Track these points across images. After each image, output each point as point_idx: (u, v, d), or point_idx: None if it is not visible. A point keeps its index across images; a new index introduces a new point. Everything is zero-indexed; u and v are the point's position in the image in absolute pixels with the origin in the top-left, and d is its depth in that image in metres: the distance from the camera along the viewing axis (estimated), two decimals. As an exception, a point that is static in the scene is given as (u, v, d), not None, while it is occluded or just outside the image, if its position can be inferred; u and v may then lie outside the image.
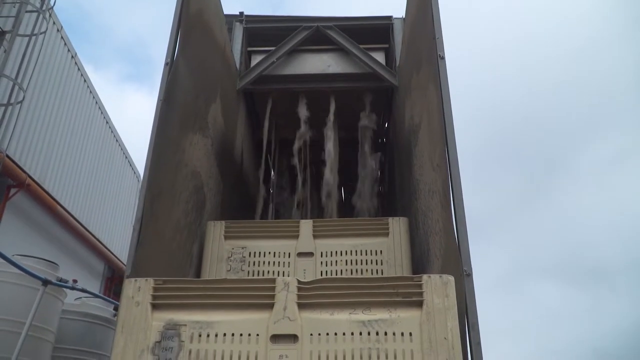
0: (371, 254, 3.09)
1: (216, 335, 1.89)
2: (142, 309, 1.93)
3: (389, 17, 4.67)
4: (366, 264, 3.06)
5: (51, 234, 9.04)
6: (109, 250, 11.24)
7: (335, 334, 1.88)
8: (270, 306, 1.93)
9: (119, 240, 11.88)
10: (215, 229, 3.24)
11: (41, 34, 7.38)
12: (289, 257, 3.10)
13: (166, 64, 2.95)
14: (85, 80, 10.13)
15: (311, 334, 1.88)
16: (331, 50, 4.53)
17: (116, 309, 5.28)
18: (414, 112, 3.46)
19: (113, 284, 11.72)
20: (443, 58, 2.80)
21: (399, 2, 4.48)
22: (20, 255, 4.40)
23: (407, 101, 3.77)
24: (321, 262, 3.07)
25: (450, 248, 2.34)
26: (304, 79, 4.52)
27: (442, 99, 2.66)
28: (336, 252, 3.10)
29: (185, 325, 1.91)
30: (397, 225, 3.19)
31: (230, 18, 4.62)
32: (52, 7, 7.82)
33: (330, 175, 4.45)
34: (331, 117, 4.56)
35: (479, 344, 2.08)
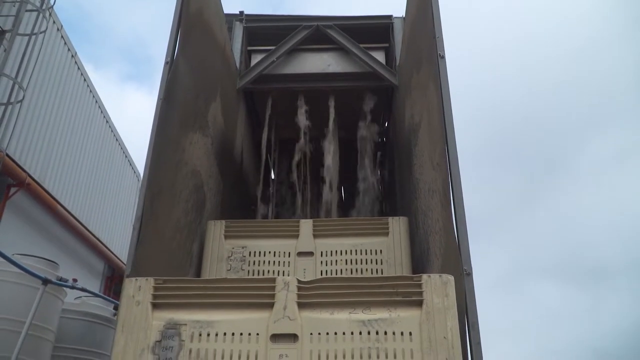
0: (371, 254, 3.09)
1: (216, 335, 1.89)
2: (143, 308, 1.93)
3: (389, 17, 4.67)
4: (366, 263, 3.06)
5: (51, 233, 9.04)
6: (109, 250, 11.25)
7: (335, 333, 1.88)
8: (271, 305, 1.93)
9: (119, 240, 11.88)
10: (216, 229, 3.24)
11: (41, 33, 7.37)
12: (289, 256, 3.10)
13: (166, 63, 2.95)
14: (85, 80, 10.13)
15: (311, 334, 1.88)
16: (331, 50, 4.53)
17: (116, 308, 5.28)
18: (414, 112, 3.46)
19: (113, 283, 11.72)
20: (443, 57, 2.80)
21: (399, 1, 4.49)
22: (20, 254, 4.40)
23: (407, 100, 3.77)
24: (321, 262, 3.07)
25: (450, 247, 2.34)
26: (304, 78, 4.52)
27: (442, 98, 2.66)
28: (336, 251, 3.10)
29: (186, 324, 1.91)
30: (397, 225, 3.19)
31: (230, 17, 4.61)
32: (52, 6, 7.81)
33: (330, 175, 4.45)
34: (331, 116, 4.56)
35: (479, 343, 2.08)
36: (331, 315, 1.91)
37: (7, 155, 7.00)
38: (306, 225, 3.20)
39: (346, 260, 3.07)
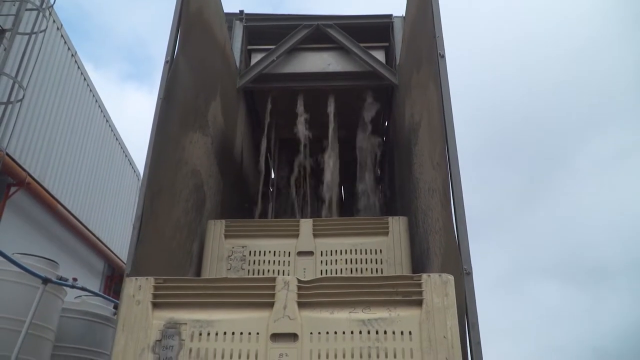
0: (371, 253, 3.09)
1: (216, 334, 1.89)
2: (143, 308, 1.93)
3: (389, 16, 4.67)
4: (366, 263, 3.07)
5: (51, 232, 9.05)
6: (109, 249, 11.25)
7: (335, 332, 1.88)
8: (271, 305, 1.93)
9: (118, 239, 11.88)
10: (216, 228, 3.24)
11: (41, 32, 7.37)
12: (289, 256, 3.10)
13: (166, 62, 2.95)
14: (85, 79, 10.12)
15: (311, 333, 1.88)
16: (331, 49, 4.53)
17: (116, 307, 5.28)
18: (414, 111, 3.46)
19: (113, 283, 11.73)
20: (443, 57, 2.80)
21: (399, 1, 4.49)
22: (20, 253, 4.40)
23: (407, 100, 3.76)
24: (321, 261, 3.07)
25: (450, 246, 2.34)
26: (304, 77, 4.52)
27: (442, 97, 2.66)
28: (336, 251, 3.10)
29: (186, 323, 1.91)
30: (397, 224, 3.19)
31: (230, 16, 4.61)
32: (52, 6, 7.81)
33: (330, 174, 4.45)
34: (331, 115, 4.56)
35: (478, 342, 2.08)
36: (331, 314, 1.91)
37: (7, 154, 7.00)
38: (306, 225, 3.21)
39: (346, 259, 3.08)
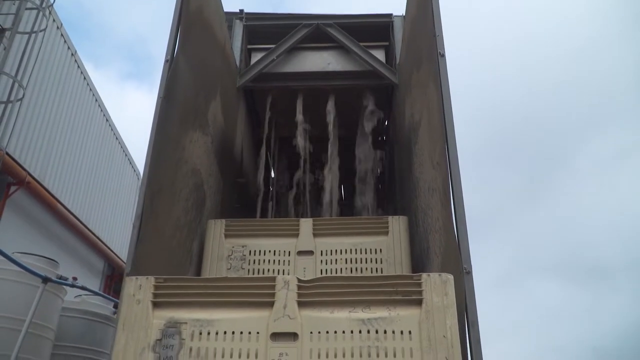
0: (371, 253, 3.10)
1: (217, 333, 1.89)
2: (143, 307, 1.93)
3: (389, 15, 4.67)
4: (366, 262, 3.07)
5: (51, 231, 9.05)
6: (109, 248, 11.25)
7: (335, 332, 1.88)
8: (271, 304, 1.93)
9: (118, 238, 11.88)
10: (216, 228, 3.25)
11: (41, 31, 7.37)
12: (289, 255, 3.10)
13: (166, 61, 2.95)
14: (85, 78, 10.12)
15: (311, 332, 1.88)
16: (331, 48, 4.53)
17: (116, 306, 5.28)
18: (414, 110, 3.46)
19: (113, 282, 11.73)
20: (443, 56, 2.80)
21: (399, 0, 4.49)
22: (20, 252, 4.40)
23: (407, 99, 3.76)
24: (321, 261, 3.08)
25: (450, 246, 2.34)
26: (304, 76, 4.52)
27: (442, 96, 2.66)
28: (336, 250, 3.10)
29: (186, 323, 1.91)
30: (397, 224, 3.19)
31: (230, 15, 4.61)
32: (51, 5, 7.81)
33: (330, 174, 4.45)
34: (331, 115, 4.56)
35: (478, 341, 2.08)
36: (331, 314, 1.91)
37: (7, 153, 7.00)
38: (306, 225, 3.21)
39: (346, 259, 3.08)
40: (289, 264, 3.07)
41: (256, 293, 1.97)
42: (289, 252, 3.11)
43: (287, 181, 5.57)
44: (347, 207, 5.29)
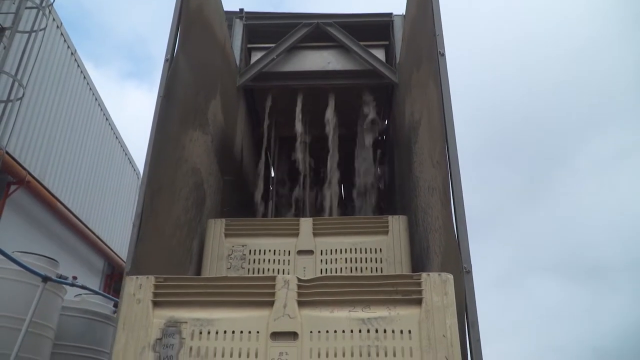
0: (371, 252, 3.10)
1: (217, 333, 1.89)
2: (143, 307, 1.94)
3: (389, 14, 4.67)
4: (366, 262, 3.07)
5: (51, 230, 9.05)
6: (109, 247, 11.25)
7: (335, 331, 1.88)
8: (271, 304, 1.93)
9: (118, 237, 11.89)
10: (216, 227, 3.25)
11: (41, 30, 7.37)
12: (289, 255, 3.10)
13: (166, 60, 2.95)
14: (85, 77, 10.12)
15: (311, 332, 1.88)
16: (331, 47, 4.53)
17: (116, 305, 5.28)
18: (414, 109, 3.46)
19: (113, 281, 11.73)
20: (443, 55, 2.79)
21: (399, -1, 4.49)
22: (20, 252, 4.40)
23: (407, 98, 3.76)
24: (321, 260, 3.08)
25: (450, 245, 2.34)
26: (304, 75, 4.52)
27: (442, 96, 2.66)
28: (336, 250, 3.10)
29: (186, 322, 1.91)
30: (397, 223, 3.19)
31: (230, 15, 4.61)
32: (51, 4, 7.81)
33: (330, 173, 4.45)
34: (331, 114, 4.56)
35: (478, 340, 2.08)
36: (331, 313, 1.91)
37: (7, 152, 7.00)
38: (306, 224, 3.21)
39: (346, 258, 3.08)
40: (288, 264, 3.07)
41: (256, 292, 1.97)
42: (289, 251, 3.11)
43: (287, 180, 5.57)
44: (347, 207, 5.29)
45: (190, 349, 1.87)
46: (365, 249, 3.10)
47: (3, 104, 6.68)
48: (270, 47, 4.47)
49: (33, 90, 7.94)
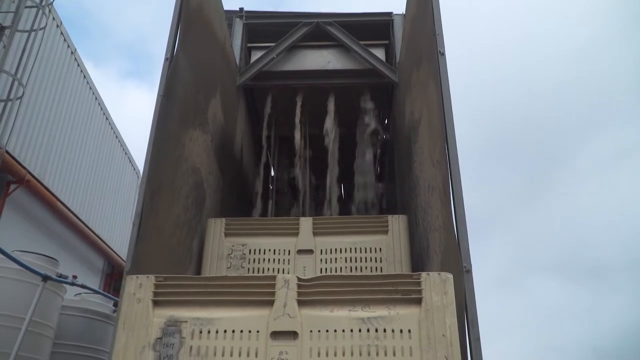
0: (371, 252, 3.10)
1: (217, 332, 1.89)
2: (144, 306, 1.94)
3: (389, 14, 4.67)
4: (366, 261, 3.07)
5: (51, 229, 9.05)
6: (109, 247, 11.25)
7: (335, 330, 1.88)
8: (271, 303, 1.93)
9: (118, 237, 11.89)
10: (216, 226, 3.25)
11: (41, 29, 7.36)
12: (289, 254, 3.10)
13: (166, 59, 2.95)
14: (84, 76, 10.11)
15: (311, 331, 1.88)
16: (331, 47, 4.53)
17: (116, 305, 5.28)
18: (414, 109, 3.46)
19: (112, 280, 11.74)
20: (443, 54, 2.79)
21: (399, -2, 4.48)
22: (20, 251, 4.39)
23: (407, 97, 3.76)
24: (321, 260, 3.08)
25: (450, 244, 2.34)
26: (304, 75, 4.52)
27: (442, 95, 2.66)
28: (336, 249, 3.10)
29: (186, 321, 1.91)
30: (397, 223, 3.19)
31: (230, 14, 4.61)
32: (51, 3, 7.80)
33: (330, 172, 4.45)
34: (331, 113, 4.56)
35: (478, 339, 2.08)
36: (331, 312, 1.91)
37: (7, 152, 7.00)
38: (306, 223, 3.21)
39: (346, 258, 3.08)
40: (288, 263, 3.07)
41: (256, 292, 1.97)
42: (289, 251, 3.11)
43: (287, 180, 5.57)
44: (346, 206, 5.29)
45: (191, 348, 1.87)
46: (365, 248, 3.11)
47: (3, 103, 6.68)
48: (270, 46, 4.47)
49: (33, 89, 7.93)
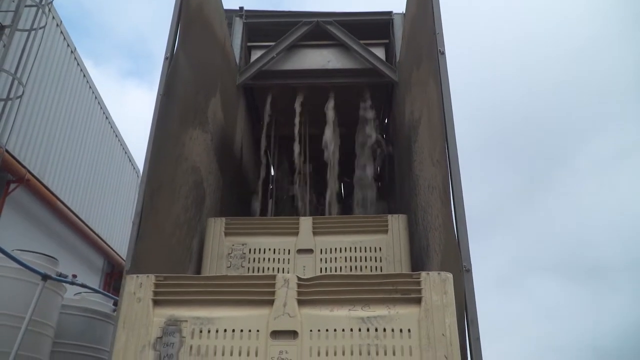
0: (370, 251, 3.10)
1: (217, 331, 1.89)
2: (144, 305, 1.94)
3: (389, 13, 4.66)
4: (365, 260, 3.07)
5: (51, 229, 9.05)
6: (109, 246, 11.26)
7: (335, 330, 1.88)
8: (271, 302, 1.93)
9: (118, 236, 11.89)
10: (216, 226, 3.25)
11: (40, 28, 7.35)
12: (289, 253, 3.10)
13: (166, 58, 2.95)
14: (84, 75, 10.11)
15: (311, 330, 1.89)
16: (331, 46, 4.52)
17: (116, 304, 5.28)
18: (414, 108, 3.46)
19: (112, 280, 11.74)
20: (443, 53, 2.79)
21: (399, -3, 4.48)
22: (20, 250, 4.40)
23: (407, 97, 3.76)
24: (321, 259, 3.08)
25: (450, 243, 2.34)
26: (304, 74, 4.51)
27: (442, 94, 2.66)
28: (336, 249, 3.10)
29: (186, 321, 1.91)
30: (397, 222, 3.19)
31: (230, 13, 4.61)
32: (51, 2, 7.79)
33: (330, 172, 4.45)
34: (331, 113, 4.56)
35: (478, 339, 2.08)
36: (331, 312, 1.91)
37: (7, 151, 6.99)
38: (306, 223, 3.21)
39: (346, 257, 3.08)
40: (288, 262, 3.07)
41: (256, 291, 1.97)
42: (289, 250, 3.11)
43: (287, 179, 5.57)
44: (346, 206, 5.29)
45: (191, 347, 1.87)
46: (365, 247, 3.11)
47: (3, 102, 6.67)
48: (270, 46, 4.46)
49: (33, 88, 7.93)
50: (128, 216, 11.95)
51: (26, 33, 7.14)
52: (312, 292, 1.96)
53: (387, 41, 4.60)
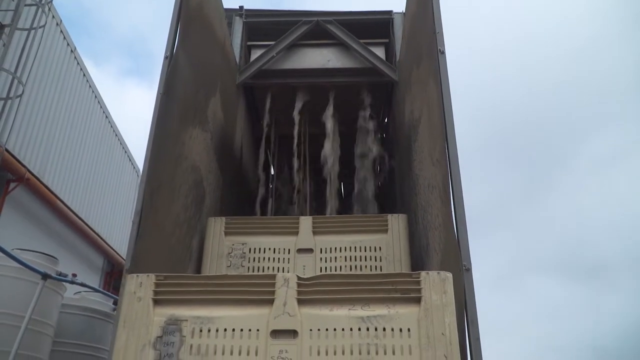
0: (370, 251, 3.10)
1: (217, 331, 1.89)
2: (144, 305, 1.94)
3: (389, 12, 4.66)
4: (365, 260, 3.07)
5: (50, 228, 9.04)
6: (109, 245, 11.26)
7: (335, 329, 1.88)
8: (271, 302, 1.93)
9: (118, 235, 11.89)
10: (216, 225, 3.25)
11: (40, 27, 7.35)
12: (289, 253, 3.10)
13: (166, 57, 2.94)
14: (84, 75, 10.10)
15: (311, 330, 1.89)
16: (331, 45, 4.52)
17: (116, 303, 5.28)
18: (414, 107, 3.46)
19: (112, 279, 11.74)
20: (443, 53, 2.79)
21: (399, -3, 4.48)
22: (20, 249, 4.39)
23: (407, 96, 3.76)
24: (321, 259, 3.08)
25: (450, 243, 2.35)
26: (304, 73, 4.51)
27: (442, 93, 2.65)
28: (336, 248, 3.10)
29: (187, 320, 1.91)
30: (396, 222, 3.19)
31: (230, 12, 4.61)
32: (51, 1, 7.79)
33: (330, 171, 4.45)
34: (331, 112, 4.56)
35: (477, 338, 2.08)
36: (330, 311, 1.92)
37: (7, 150, 6.99)
38: (306, 222, 3.21)
39: (345, 257, 3.08)
40: (288, 262, 3.08)
41: (256, 291, 1.97)
42: (289, 249, 3.12)
43: (287, 178, 5.56)
44: (346, 205, 5.29)
45: (191, 346, 1.87)
46: (365, 247, 3.11)
47: (2, 101, 6.67)
48: (270, 45, 4.46)
49: (32, 87, 7.93)
50: (128, 215, 11.95)
51: (26, 32, 7.13)
52: (312, 292, 1.96)
53: (387, 40, 4.60)
